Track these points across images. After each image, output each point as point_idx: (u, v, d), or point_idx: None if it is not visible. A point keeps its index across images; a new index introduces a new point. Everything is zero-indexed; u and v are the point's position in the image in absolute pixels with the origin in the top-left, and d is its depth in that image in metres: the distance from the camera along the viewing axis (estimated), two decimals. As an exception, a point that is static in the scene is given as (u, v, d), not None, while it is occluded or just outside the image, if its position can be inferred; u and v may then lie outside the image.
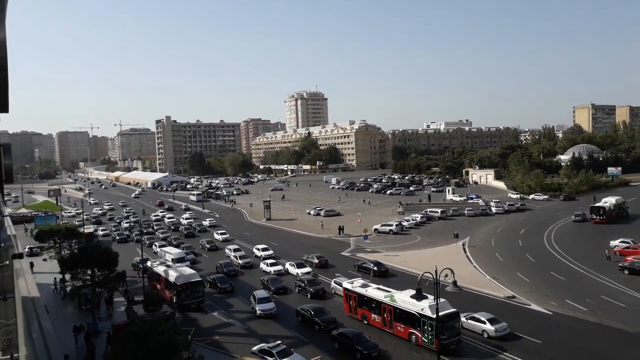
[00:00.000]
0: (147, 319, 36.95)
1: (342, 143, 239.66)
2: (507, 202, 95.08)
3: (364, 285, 39.89)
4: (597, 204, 78.05)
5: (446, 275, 22.44)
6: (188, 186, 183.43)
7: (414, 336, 33.99)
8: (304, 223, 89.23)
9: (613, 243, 58.91)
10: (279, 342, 33.74)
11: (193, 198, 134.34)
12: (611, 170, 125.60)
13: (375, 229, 76.72)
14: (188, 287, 44.69)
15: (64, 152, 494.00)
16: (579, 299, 42.14)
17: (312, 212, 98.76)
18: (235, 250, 63.58)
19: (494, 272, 51.82)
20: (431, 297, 33.08)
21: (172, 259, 55.35)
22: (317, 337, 36.72)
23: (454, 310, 33.59)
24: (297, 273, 53.08)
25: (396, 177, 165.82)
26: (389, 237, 73.69)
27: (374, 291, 38.38)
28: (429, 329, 32.52)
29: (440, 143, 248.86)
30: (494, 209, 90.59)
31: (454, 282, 22.92)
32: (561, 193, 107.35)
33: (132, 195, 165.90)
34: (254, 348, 33.50)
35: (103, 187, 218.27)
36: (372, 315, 37.73)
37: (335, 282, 47.55)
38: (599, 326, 36.62)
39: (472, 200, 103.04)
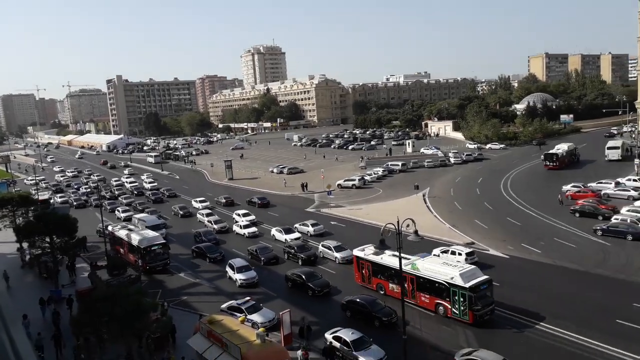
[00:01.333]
0: (112, 283, 36.61)
1: (302, 99, 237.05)
2: (465, 153, 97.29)
3: (377, 252, 35.69)
4: (550, 151, 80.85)
5: (408, 226, 22.81)
6: (145, 148, 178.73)
7: (441, 307, 31.03)
8: (267, 181, 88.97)
9: (565, 188, 61.62)
10: (248, 298, 34.14)
11: (151, 160, 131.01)
12: (564, 117, 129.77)
13: (339, 184, 77.33)
14: (152, 250, 44.27)
15: (10, 116, 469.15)
16: (533, 242, 44.28)
17: (275, 170, 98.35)
18: (208, 215, 60.86)
19: (454, 220, 53.57)
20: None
21: (147, 227, 52.55)
22: (313, 303, 34.99)
23: (486, 277, 30.71)
24: (285, 239, 49.41)
25: (357, 132, 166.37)
26: (352, 191, 74.57)
27: (390, 259, 34.41)
28: (461, 299, 29.71)
29: (400, 96, 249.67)
30: (452, 160, 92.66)
31: (415, 232, 23.51)
32: (517, 141, 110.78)
33: (76, 157, 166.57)
34: (223, 305, 33.81)
35: (46, 149, 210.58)
36: (390, 285, 34.68)
37: (322, 245, 45.15)
38: (552, 267, 38.74)
39: (430, 152, 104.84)
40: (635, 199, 53.93)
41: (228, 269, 41.33)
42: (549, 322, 29.73)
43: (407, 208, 58.63)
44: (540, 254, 41.56)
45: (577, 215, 51.03)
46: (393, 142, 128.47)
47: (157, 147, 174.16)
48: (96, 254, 49.85)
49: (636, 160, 69.21)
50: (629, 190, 56.97)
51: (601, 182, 61.01)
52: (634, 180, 60.93)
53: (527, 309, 31.26)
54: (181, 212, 66.18)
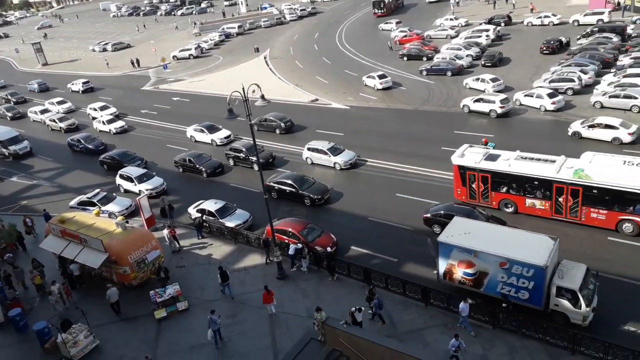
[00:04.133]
0: None
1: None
2: (299, 7, 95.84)
3: (490, 157, 25.94)
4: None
5: (254, 91, 22.55)
6: None
7: (628, 225, 22.59)
8: (91, 62, 79.46)
9: (393, 34, 65.19)
10: (98, 190, 32.39)
11: None
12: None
13: (174, 56, 72.41)
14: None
15: None
16: (370, 91, 47.39)
17: (96, 49, 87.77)
18: (42, 112, 51.60)
19: (297, 80, 54.52)
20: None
21: (2, 141, 43.10)
22: (325, 215, 28.06)
23: None
24: (211, 140, 40.09)
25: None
26: (190, 62, 70.51)
27: (525, 164, 24.74)
28: None
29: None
30: (288, 17, 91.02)
31: (262, 96, 23.45)
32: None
33: None
34: (71, 202, 31.76)
35: None
36: (527, 200, 25.10)
37: (309, 149, 34.51)
38: (387, 110, 42.48)
39: (266, 10, 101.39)
40: (452, 37, 59.51)
41: (121, 181, 34.09)
42: (383, 157, 33.08)
43: (251, 73, 58.21)
44: (376, 100, 44.93)
45: (405, 59, 55.03)
46: (225, 3, 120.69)
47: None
48: None
49: (451, 0, 74.87)
50: (447, 30, 62.33)
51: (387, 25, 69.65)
52: (451, 19, 66.53)
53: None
54: (9, 114, 55.50)
